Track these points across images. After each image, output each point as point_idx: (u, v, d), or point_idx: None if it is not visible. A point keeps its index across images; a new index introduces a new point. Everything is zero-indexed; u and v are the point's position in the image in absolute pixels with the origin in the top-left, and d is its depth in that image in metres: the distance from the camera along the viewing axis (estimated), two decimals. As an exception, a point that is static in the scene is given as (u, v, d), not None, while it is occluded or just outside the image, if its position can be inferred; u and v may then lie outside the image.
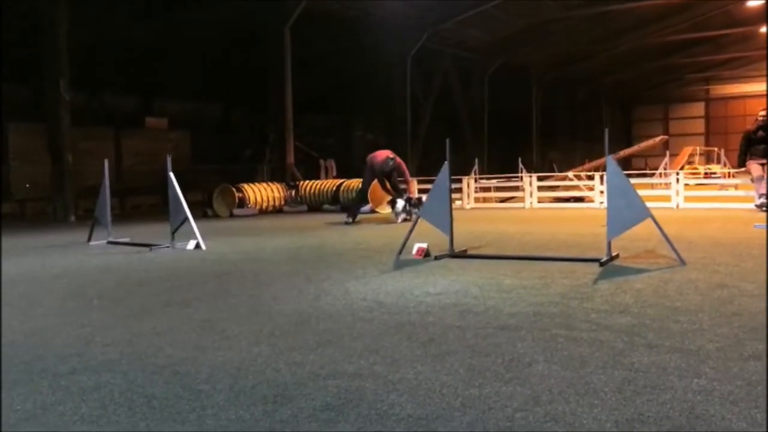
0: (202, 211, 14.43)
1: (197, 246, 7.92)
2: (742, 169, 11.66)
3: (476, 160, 19.58)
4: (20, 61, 17.95)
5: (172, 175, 8.16)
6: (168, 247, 8.06)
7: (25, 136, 18.08)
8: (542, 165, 29.99)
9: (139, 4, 17.78)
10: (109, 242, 8.80)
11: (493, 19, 24.66)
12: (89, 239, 9.06)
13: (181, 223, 8.11)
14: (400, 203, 11.63)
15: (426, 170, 19.17)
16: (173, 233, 8.17)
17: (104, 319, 4.25)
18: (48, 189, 15.50)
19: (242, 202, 14.38)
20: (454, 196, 14.76)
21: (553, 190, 16.03)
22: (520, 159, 19.46)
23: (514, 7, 23.73)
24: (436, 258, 6.45)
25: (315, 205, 15.23)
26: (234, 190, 14.43)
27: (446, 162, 6.73)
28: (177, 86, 24.06)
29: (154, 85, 23.67)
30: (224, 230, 10.80)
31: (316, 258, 7.02)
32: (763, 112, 11.27)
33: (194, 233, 7.97)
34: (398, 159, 12.23)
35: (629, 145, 30.66)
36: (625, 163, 32.50)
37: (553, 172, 21.09)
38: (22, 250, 8.59)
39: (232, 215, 14.04)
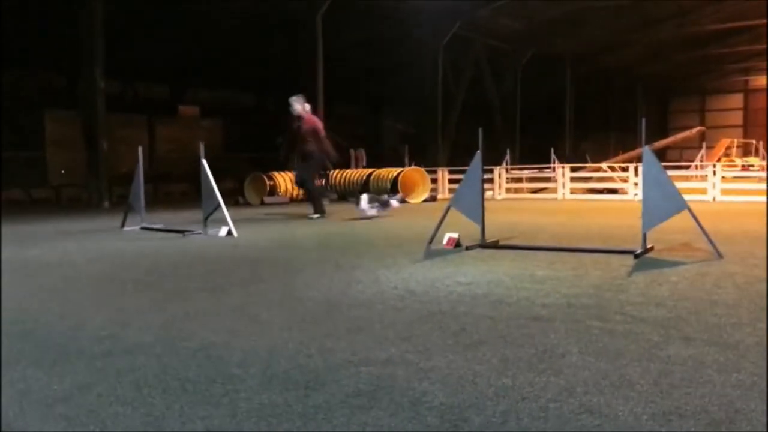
0: (234, 198, 14.54)
1: (229, 233, 7.98)
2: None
3: (507, 150, 19.43)
4: (56, 49, 18.26)
5: (204, 162, 8.23)
6: (200, 233, 8.14)
7: (60, 123, 18.42)
8: (575, 156, 29.66)
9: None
10: (143, 228, 8.92)
11: (527, 8, 24.39)
12: (123, 225, 9.19)
13: (214, 210, 8.18)
14: (365, 198, 10.52)
15: (456, 160, 19.08)
16: (205, 220, 8.25)
17: (139, 302, 4.31)
18: (83, 175, 15.74)
19: (273, 190, 14.45)
20: (486, 186, 14.73)
21: (586, 182, 15.83)
22: (552, 149, 19.25)
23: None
24: (467, 248, 6.41)
25: (345, 194, 15.25)
26: (265, 178, 14.51)
27: (478, 151, 6.68)
28: (210, 75, 24.27)
29: (187, 73, 23.89)
30: (255, 218, 10.87)
31: (346, 246, 7.03)
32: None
33: (226, 220, 8.03)
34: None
35: (664, 136, 30.13)
36: (660, 155, 31.98)
37: (586, 162, 20.82)
38: (58, 235, 8.75)
39: (263, 203, 14.12)
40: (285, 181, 14.83)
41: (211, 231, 8.13)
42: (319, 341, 3.27)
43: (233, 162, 20.66)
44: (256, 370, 2.84)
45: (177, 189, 19.34)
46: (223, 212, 8.06)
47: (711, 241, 5.59)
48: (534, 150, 27.66)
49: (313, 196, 11.00)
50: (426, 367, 2.83)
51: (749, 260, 5.40)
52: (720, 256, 5.50)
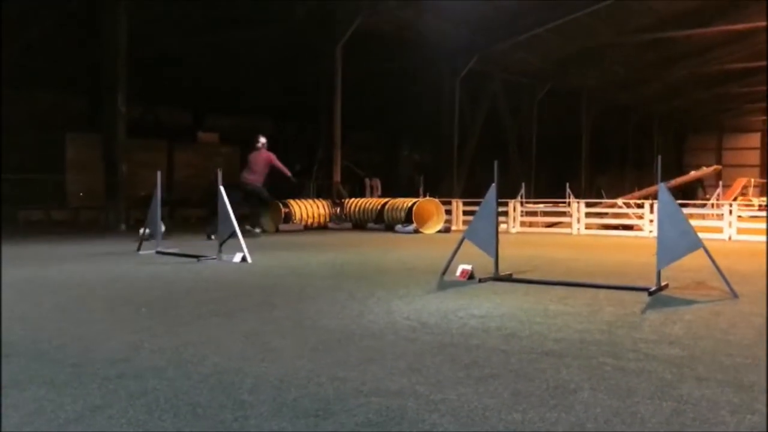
0: (252, 224, 14.61)
1: (243, 259, 8.02)
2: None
3: (522, 184, 19.42)
4: (80, 73, 18.60)
5: (222, 188, 8.31)
6: (215, 258, 8.18)
7: (81, 146, 18.67)
8: (590, 191, 29.58)
9: (195, 21, 18.22)
10: (158, 252, 8.98)
11: (544, 43, 24.56)
12: (139, 248, 9.26)
13: (229, 236, 8.24)
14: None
15: (472, 192, 19.10)
16: (221, 245, 8.30)
17: (152, 326, 4.33)
18: (101, 198, 15.91)
19: (288, 218, 14.52)
20: (500, 219, 14.71)
21: (601, 217, 15.77)
22: (567, 184, 19.23)
23: (566, 31, 23.60)
24: (480, 280, 6.40)
25: (359, 222, 15.30)
26: (280, 205, 14.60)
27: (493, 184, 6.70)
28: (230, 102, 24.58)
29: (208, 100, 24.22)
30: (270, 244, 10.92)
31: (360, 275, 7.04)
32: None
33: (241, 246, 8.08)
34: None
35: (681, 174, 30.02)
36: (678, 192, 31.79)
37: (601, 198, 20.77)
38: (75, 257, 8.83)
39: (278, 230, 14.19)
40: (300, 208, 14.91)
41: (225, 257, 8.18)
42: (330, 370, 3.27)
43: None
44: (266, 396, 2.85)
45: (194, 214, 19.48)
46: (238, 238, 8.12)
47: (726, 281, 5.55)
48: (550, 184, 27.65)
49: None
50: (436, 399, 2.83)
51: (764, 300, 5.35)
52: (735, 295, 5.45)
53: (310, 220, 14.96)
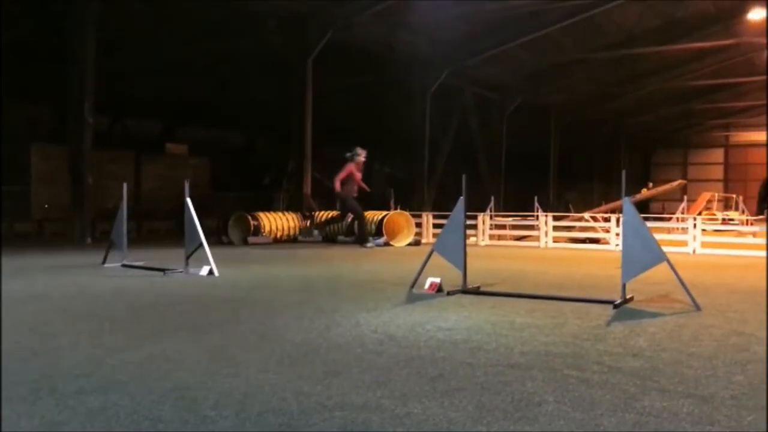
0: (217, 237, 14.49)
1: (210, 272, 7.94)
2: (761, 217, 11.54)
3: (492, 198, 19.57)
4: (46, 82, 18.34)
5: (189, 200, 8.23)
6: (181, 272, 8.09)
7: (46, 156, 18.36)
8: (558, 205, 29.91)
9: (165, 32, 18.11)
10: (124, 265, 8.85)
11: (515, 58, 24.88)
12: (104, 261, 9.12)
13: (196, 249, 8.15)
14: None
15: (442, 206, 19.18)
16: (187, 258, 8.21)
17: (114, 340, 4.26)
18: (66, 210, 15.64)
19: (257, 230, 14.43)
20: (469, 232, 14.78)
21: (569, 231, 15.94)
22: (536, 198, 19.42)
23: (536, 46, 23.94)
24: (449, 293, 6.42)
25: (329, 236, 15.26)
26: (249, 217, 14.50)
27: (461, 197, 6.74)
28: (200, 114, 24.45)
29: (178, 111, 24.05)
30: (239, 257, 10.83)
31: (329, 288, 7.01)
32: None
33: (208, 259, 8.00)
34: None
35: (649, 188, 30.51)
36: (643, 207, 32.32)
37: (569, 212, 21.02)
38: (37, 270, 8.66)
39: (246, 243, 14.09)
40: (270, 221, 14.83)
41: (192, 270, 8.09)
42: (295, 384, 3.24)
43: (219, 201, 20.65)
44: (229, 411, 2.81)
45: (162, 226, 19.25)
46: (205, 251, 8.03)
47: (689, 294, 5.63)
48: (519, 198, 27.89)
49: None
50: (401, 413, 2.81)
51: (727, 313, 5.45)
52: (698, 308, 5.54)
53: (279, 233, 14.88)
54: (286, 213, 15.78)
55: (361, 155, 12.94)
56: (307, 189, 18.23)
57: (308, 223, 15.48)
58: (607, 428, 2.64)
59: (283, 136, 21.14)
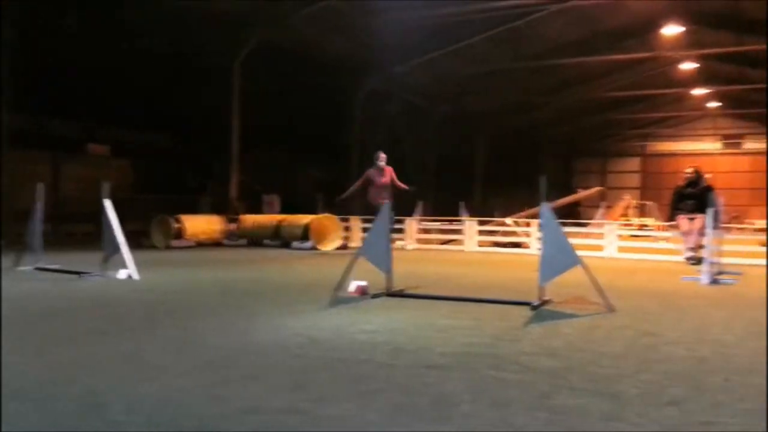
0: (139, 240, 14.10)
1: (129, 276, 7.71)
2: (673, 223, 12.07)
3: (420, 203, 19.77)
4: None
5: (107, 202, 7.97)
6: (99, 275, 7.83)
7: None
8: (484, 210, 30.47)
9: (89, 30, 17.53)
10: (38, 268, 8.49)
11: (443, 66, 25.24)
12: (17, 264, 8.73)
13: (114, 252, 7.90)
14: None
15: (372, 210, 19.23)
16: (105, 262, 7.95)
17: (23, 346, 4.08)
18: (-23, 211, 14.91)
19: (180, 234, 14.11)
20: (397, 236, 14.87)
21: (492, 235, 16.26)
22: (462, 203, 19.72)
23: (463, 55, 24.36)
24: (374, 296, 6.44)
25: (255, 239, 15.07)
26: (172, 220, 14.17)
27: (387, 201, 6.78)
28: (125, 115, 23.72)
29: (100, 112, 23.26)
30: (160, 261, 10.56)
31: (252, 292, 6.92)
32: (690, 170, 11.75)
33: (127, 262, 7.77)
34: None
35: (569, 194, 31.47)
36: (564, 212, 33.28)
37: (494, 217, 21.43)
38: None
39: (169, 246, 13.76)
40: (193, 224, 14.52)
41: (110, 273, 7.83)
42: (212, 388, 3.19)
43: (142, 203, 20.08)
44: (141, 417, 2.74)
45: (80, 229, 18.57)
46: (124, 254, 7.80)
47: (603, 296, 5.84)
48: (446, 203, 28.27)
49: None
50: (318, 415, 2.81)
51: (638, 314, 5.67)
52: (612, 309, 5.74)
53: (203, 237, 14.59)
54: (210, 216, 15.51)
55: (380, 160, 12.36)
56: (233, 192, 17.97)
57: (234, 227, 15.25)
58: (518, 427, 2.70)
59: (209, 138, 20.79)
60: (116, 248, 7.83)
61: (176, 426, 2.64)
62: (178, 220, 14.29)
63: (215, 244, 14.83)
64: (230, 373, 3.48)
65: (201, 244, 14.42)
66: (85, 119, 23.80)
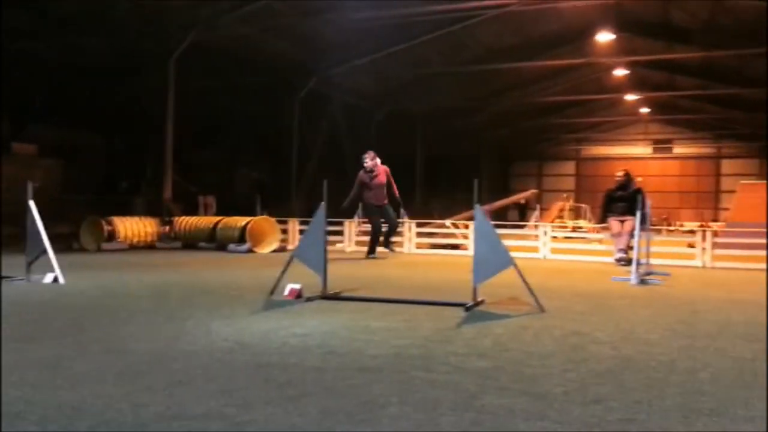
0: (68, 243, 13.65)
1: (55, 280, 7.45)
2: (604, 225, 12.40)
3: (360, 204, 19.76)
4: None
5: (31, 203, 7.68)
6: (22, 279, 7.53)
7: None
8: (425, 212, 30.68)
9: (14, 23, 16.87)
10: (-45, 272, 8.11)
11: (382, 68, 25.33)
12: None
13: (39, 255, 7.61)
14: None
15: (311, 212, 19.13)
16: (29, 265, 7.65)
17: (-67, 354, 3.88)
18: None
19: (111, 236, 13.72)
20: (336, 238, 14.82)
21: (431, 237, 16.39)
22: (402, 205, 19.82)
23: (402, 58, 24.50)
24: (308, 299, 6.39)
25: (190, 242, 14.78)
26: (103, 222, 13.77)
27: (322, 202, 6.74)
28: (54, 113, 22.93)
29: (27, 109, 22.43)
30: (89, 264, 10.25)
31: (183, 296, 6.77)
32: (620, 173, 12.10)
33: (53, 266, 7.50)
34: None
35: (505, 197, 32.06)
36: (501, 215, 33.85)
37: (433, 219, 21.61)
38: None
39: (100, 249, 13.36)
40: (125, 226, 14.14)
41: (35, 277, 7.55)
42: (133, 395, 3.09)
43: (72, 205, 19.45)
44: (56, 426, 2.63)
45: (4, 232, 17.85)
46: (50, 258, 7.53)
47: (534, 296, 5.94)
48: (387, 205, 28.34)
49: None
50: (243, 420, 2.75)
51: (568, 314, 5.78)
52: (542, 310, 5.84)
53: (136, 239, 14.23)
54: (143, 218, 15.13)
55: (366, 160, 11.71)
56: (168, 193, 17.59)
57: (167, 229, 14.93)
58: (445, 427, 2.71)
59: (142, 138, 20.30)
60: (42, 251, 7.55)
61: (93, 435, 2.54)
62: (109, 222, 13.90)
63: (148, 246, 14.48)
64: (155, 380, 3.39)
65: (133, 247, 14.06)
66: (11, 117, 22.92)
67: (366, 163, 11.67)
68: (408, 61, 24.99)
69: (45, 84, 20.78)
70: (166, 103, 17.63)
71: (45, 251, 7.54)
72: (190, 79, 18.63)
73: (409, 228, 15.03)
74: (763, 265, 11.92)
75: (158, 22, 17.37)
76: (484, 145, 44.55)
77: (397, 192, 11.71)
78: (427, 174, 36.14)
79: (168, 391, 3.18)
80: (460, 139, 40.85)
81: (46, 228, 7.76)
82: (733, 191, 24.76)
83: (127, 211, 16.79)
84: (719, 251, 12.68)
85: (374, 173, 11.67)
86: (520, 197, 25.04)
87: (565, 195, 30.09)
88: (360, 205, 12.54)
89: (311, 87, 23.77)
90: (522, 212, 25.03)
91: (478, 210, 6.10)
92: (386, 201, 11.71)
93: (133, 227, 14.30)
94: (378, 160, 11.81)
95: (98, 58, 19.40)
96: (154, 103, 17.95)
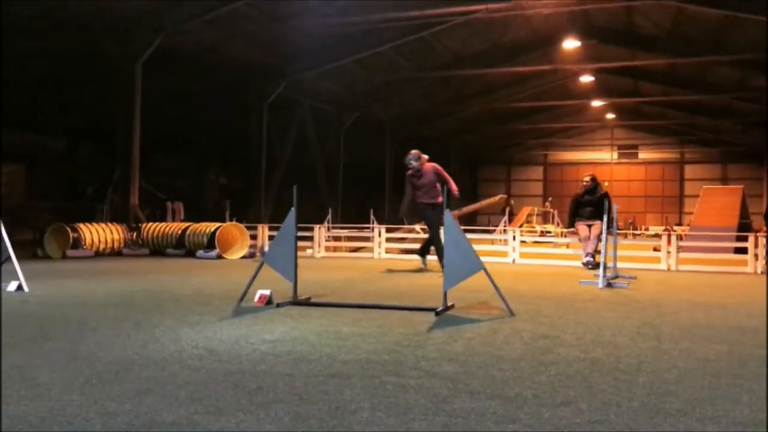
0: (32, 250, 13.40)
1: (19, 288, 7.30)
2: (572, 230, 12.56)
3: (329, 210, 19.76)
4: None
5: (-6, 209, 7.53)
6: (-16, 288, 7.36)
7: None
8: (394, 217, 30.76)
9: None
10: None
11: (351, 74, 25.36)
12: None
13: (2, 263, 7.46)
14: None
15: (281, 218, 19.07)
16: (-8, 273, 7.49)
17: None
18: None
19: (77, 243, 13.49)
20: (305, 244, 14.78)
21: (401, 242, 16.43)
22: (371, 210, 19.86)
23: (371, 64, 24.56)
24: (278, 305, 6.36)
25: (158, 248, 14.61)
26: (68, 229, 13.54)
27: (293, 208, 6.72)
28: (17, 117, 22.49)
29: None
30: (54, 272, 10.07)
31: (151, 304, 6.68)
32: (588, 178, 12.27)
33: (17, 274, 7.35)
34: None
35: (475, 202, 32.29)
36: (470, 220, 34.09)
37: (403, 224, 21.69)
38: None
39: (65, 256, 13.13)
40: (91, 232, 13.92)
41: (-2, 285, 7.39)
42: (102, 404, 3.04)
43: (36, 211, 19.11)
44: (21, 438, 2.58)
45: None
46: (14, 265, 7.38)
47: (504, 300, 5.99)
48: (357, 210, 28.37)
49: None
50: (214, 428, 2.73)
51: (537, 318, 5.84)
52: (512, 314, 5.90)
53: (102, 246, 14.02)
54: (110, 224, 14.92)
55: (408, 161, 10.80)
56: (135, 199, 17.36)
57: (134, 235, 14.73)
58: (416, 431, 2.71)
59: (109, 143, 20.01)
60: (5, 258, 7.40)
61: (60, 446, 2.50)
62: (75, 229, 13.67)
63: (115, 253, 14.28)
64: (123, 388, 3.34)
65: (100, 254, 13.85)
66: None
67: (411, 164, 10.81)
68: (377, 66, 25.07)
69: (6, 89, 20.35)
70: (133, 108, 17.41)
71: (9, 258, 7.40)
72: (157, 83, 18.43)
73: (378, 233, 15.04)
74: (726, 268, 12.19)
75: (123, 26, 17.15)
76: (452, 151, 44.81)
77: (454, 188, 10.51)
78: (396, 179, 36.19)
79: (137, 399, 3.14)
80: (429, 144, 41.02)
81: (9, 235, 7.61)
82: (696, 196, 25.26)
83: (93, 217, 16.54)
84: (684, 255, 12.93)
85: (422, 172, 10.81)
86: (490, 202, 25.24)
87: (550, 199, 30.41)
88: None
89: (280, 92, 23.68)
90: (510, 217, 25.23)
91: (448, 215, 6.13)
92: (440, 198, 10.49)
93: (99, 234, 14.09)
94: (425, 157, 10.93)
95: (61, 63, 19.08)
96: (121, 108, 17.70)
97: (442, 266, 9.96)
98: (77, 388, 3.34)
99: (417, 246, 15.83)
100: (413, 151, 11.01)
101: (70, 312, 6.02)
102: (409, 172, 10.95)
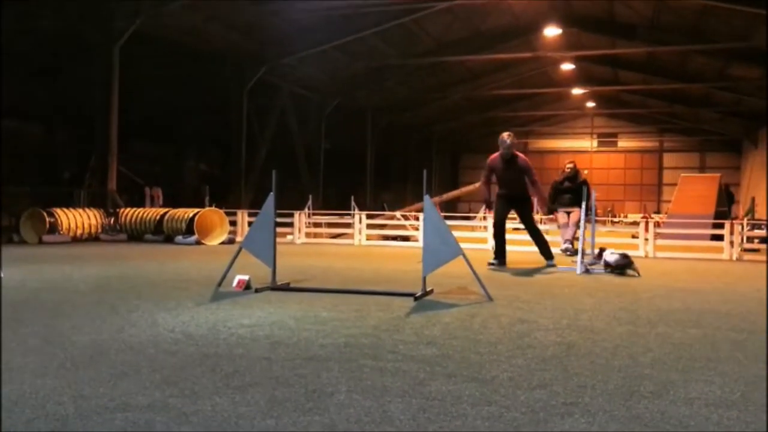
0: (7, 236, 13.23)
1: (-7, 272, 7.20)
2: (551, 217, 12.62)
3: (310, 196, 19.69)
4: None
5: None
6: (-42, 272, 7.25)
7: None
8: (375, 204, 30.73)
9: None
10: None
11: (332, 60, 25.20)
12: None
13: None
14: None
15: (261, 204, 18.97)
16: (-34, 258, 7.38)
17: None
18: None
19: (54, 228, 13.34)
20: (286, 230, 14.73)
21: (382, 229, 16.43)
22: (352, 197, 19.82)
23: (352, 50, 24.42)
24: (257, 290, 6.33)
25: (136, 234, 14.48)
26: (45, 214, 13.37)
27: (271, 193, 6.68)
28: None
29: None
30: (30, 257, 9.95)
31: (128, 288, 6.63)
32: (570, 165, 12.31)
33: (-9, 258, 7.25)
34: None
35: (454, 189, 32.35)
36: (451, 207, 34.13)
37: (384, 211, 21.70)
38: None
39: (41, 242, 12.98)
40: (68, 218, 13.76)
41: (-29, 270, 7.28)
42: (75, 388, 3.01)
43: (11, 196, 18.82)
44: (-8, 421, 2.54)
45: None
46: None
47: (483, 286, 6.01)
48: (339, 197, 28.30)
49: (543, 240, 10.14)
50: (189, 411, 2.71)
51: (515, 303, 5.87)
52: (490, 299, 5.92)
53: (79, 231, 13.87)
54: (87, 209, 14.76)
55: (503, 142, 9.57)
56: (112, 184, 17.18)
57: (112, 221, 14.59)
58: (393, 413, 2.72)
59: (86, 127, 19.74)
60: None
61: (33, 428, 2.47)
62: (51, 214, 13.50)
63: (92, 239, 14.14)
64: (98, 372, 3.31)
65: (77, 239, 13.71)
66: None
67: (505, 142, 9.56)
68: (358, 52, 24.93)
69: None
70: (111, 92, 17.17)
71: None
72: (135, 68, 18.20)
73: (359, 220, 15.02)
74: (703, 255, 12.34)
75: (101, 9, 16.89)
76: (434, 138, 44.81)
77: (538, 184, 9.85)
78: (378, 166, 36.18)
79: (111, 382, 3.11)
80: (411, 131, 41.00)
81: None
82: (674, 184, 25.49)
83: (69, 202, 16.33)
84: (661, 242, 13.06)
85: (512, 162, 9.71)
86: (469, 189, 25.27)
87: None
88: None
89: (260, 77, 23.49)
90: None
91: (428, 201, 6.13)
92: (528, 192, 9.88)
93: (76, 219, 13.94)
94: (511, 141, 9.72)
95: (39, 46, 18.77)
96: (98, 92, 17.45)
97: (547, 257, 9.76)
98: (51, 372, 3.31)
99: (398, 233, 15.85)
100: (506, 134, 9.91)
101: (46, 297, 5.95)
102: (496, 157, 9.78)
